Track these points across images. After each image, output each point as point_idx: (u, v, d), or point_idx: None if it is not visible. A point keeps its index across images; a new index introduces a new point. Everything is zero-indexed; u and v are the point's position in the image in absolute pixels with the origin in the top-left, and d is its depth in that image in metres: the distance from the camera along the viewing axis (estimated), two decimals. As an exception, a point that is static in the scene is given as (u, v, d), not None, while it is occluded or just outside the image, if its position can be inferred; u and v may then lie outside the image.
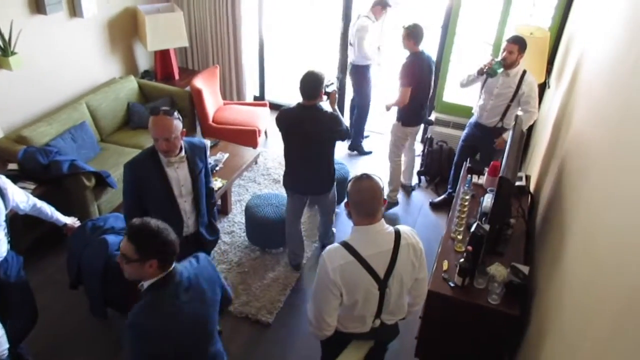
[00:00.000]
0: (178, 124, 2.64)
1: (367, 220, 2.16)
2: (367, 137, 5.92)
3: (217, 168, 4.40)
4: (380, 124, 6.04)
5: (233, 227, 4.50)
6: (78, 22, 4.73)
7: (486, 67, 4.06)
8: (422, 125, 5.02)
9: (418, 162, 5.36)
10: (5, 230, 2.82)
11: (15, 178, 3.84)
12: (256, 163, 5.29)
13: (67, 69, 4.73)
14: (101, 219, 3.38)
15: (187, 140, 2.88)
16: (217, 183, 4.20)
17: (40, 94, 4.50)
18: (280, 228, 4.09)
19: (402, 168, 4.98)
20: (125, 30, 5.35)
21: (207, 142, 4.54)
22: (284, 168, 5.16)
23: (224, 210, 4.63)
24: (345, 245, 2.16)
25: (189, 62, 6.14)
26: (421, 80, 4.43)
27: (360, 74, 5.40)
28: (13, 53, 4.05)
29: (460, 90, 4.69)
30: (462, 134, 4.66)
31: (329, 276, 2.12)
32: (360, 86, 5.47)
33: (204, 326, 2.19)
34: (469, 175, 3.86)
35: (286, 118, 3.55)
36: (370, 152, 5.75)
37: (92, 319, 3.39)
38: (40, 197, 3.80)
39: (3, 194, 2.75)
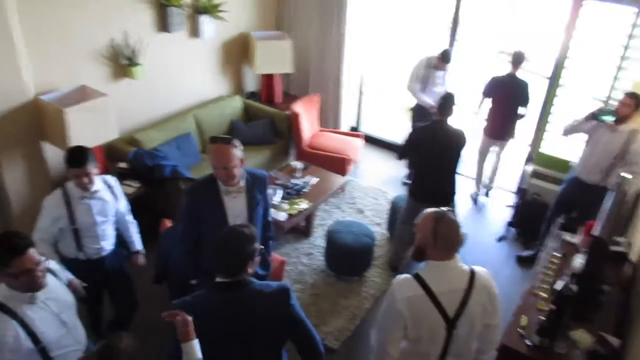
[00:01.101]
0: (237, 152, 2.61)
1: (447, 255, 2.13)
2: None
3: (305, 190, 4.53)
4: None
5: (312, 249, 4.58)
6: (196, 42, 5.14)
7: (597, 110, 3.93)
8: (508, 142, 5.32)
9: (509, 212, 5.17)
10: (114, 226, 3.06)
11: (124, 176, 4.21)
12: (343, 191, 5.37)
13: (181, 83, 5.13)
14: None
15: (249, 170, 2.84)
16: (302, 204, 4.32)
17: (155, 102, 4.91)
18: (357, 257, 4.12)
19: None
20: (237, 53, 5.72)
21: (301, 165, 4.76)
22: (370, 199, 5.34)
23: (306, 232, 4.73)
24: (417, 277, 2.13)
25: (292, 87, 6.41)
26: (501, 98, 5.02)
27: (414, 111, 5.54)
28: (137, 64, 4.48)
29: (562, 142, 4.50)
30: (559, 188, 4.47)
31: (396, 306, 2.10)
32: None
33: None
34: (562, 232, 3.67)
35: (424, 131, 4.02)
36: None
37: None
38: (142, 196, 4.15)
39: (114, 192, 2.99)
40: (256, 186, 2.82)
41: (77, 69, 4.11)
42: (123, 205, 3.11)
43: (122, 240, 3.22)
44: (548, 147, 5.21)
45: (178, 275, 3.24)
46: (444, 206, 3.86)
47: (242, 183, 2.75)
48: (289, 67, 5.77)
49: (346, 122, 6.45)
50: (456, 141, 3.98)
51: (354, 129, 6.60)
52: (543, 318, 2.72)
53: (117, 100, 4.38)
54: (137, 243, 3.25)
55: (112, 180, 3.04)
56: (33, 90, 3.77)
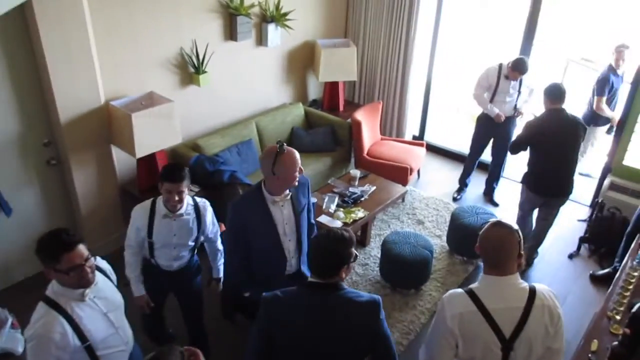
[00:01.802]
0: None
1: (495, 271, 1.99)
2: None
3: (362, 199, 4.45)
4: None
5: (368, 260, 4.48)
6: (262, 50, 5.21)
7: None
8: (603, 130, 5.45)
9: (581, 227, 4.83)
10: (191, 248, 3.00)
11: (184, 180, 4.32)
12: (403, 201, 5.24)
13: (245, 91, 5.21)
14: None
15: None
16: (358, 213, 4.25)
17: (219, 109, 5.01)
18: (414, 269, 3.98)
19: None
20: (301, 60, 5.75)
21: (360, 173, 4.69)
22: (431, 210, 5.18)
23: (362, 242, 4.64)
24: (470, 292, 2.00)
25: (356, 95, 6.37)
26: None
27: (479, 120, 5.34)
28: (203, 72, 4.60)
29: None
30: (642, 201, 4.13)
31: (446, 323, 1.98)
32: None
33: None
34: (642, 250, 3.37)
35: (544, 121, 4.06)
36: (497, 205, 5.47)
37: (223, 322, 3.56)
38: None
39: (200, 219, 2.93)
40: (299, 191, 2.83)
41: (146, 75, 4.26)
42: (212, 231, 3.07)
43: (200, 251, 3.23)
44: (631, 159, 4.83)
45: (229, 288, 3.26)
46: (561, 198, 4.13)
47: (287, 191, 2.75)
48: (353, 75, 5.73)
49: (409, 131, 6.31)
50: (577, 129, 4.02)
51: (416, 137, 6.44)
52: (616, 343, 2.53)
53: (183, 107, 4.51)
54: (220, 271, 3.21)
55: (205, 206, 2.98)
56: (104, 95, 3.95)
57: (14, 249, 3.92)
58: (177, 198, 2.74)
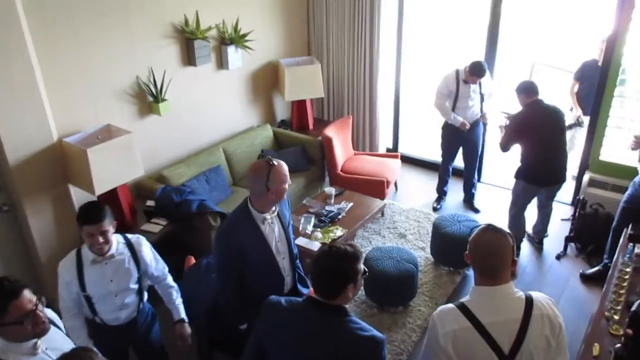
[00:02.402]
0: None
1: (488, 280, 1.83)
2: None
3: (340, 216, 4.28)
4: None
5: (351, 280, 4.28)
6: (223, 74, 5.05)
7: None
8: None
9: (567, 226, 4.72)
10: (136, 293, 2.70)
11: (151, 214, 4.09)
12: (382, 215, 5.08)
13: (209, 117, 5.02)
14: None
15: None
16: (337, 232, 4.07)
17: (183, 138, 4.80)
18: (400, 285, 3.80)
19: None
20: (266, 82, 5.60)
21: (335, 191, 4.51)
22: (412, 222, 5.04)
23: (344, 262, 4.44)
24: (462, 307, 1.83)
25: (325, 113, 6.25)
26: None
27: (444, 130, 5.25)
28: (163, 100, 4.40)
29: (622, 148, 4.16)
30: (625, 194, 4.05)
31: (438, 342, 1.80)
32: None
33: None
34: (631, 244, 3.25)
35: (527, 115, 4.15)
36: (478, 211, 5.34)
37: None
38: (169, 234, 4.00)
39: (138, 256, 2.65)
40: (282, 204, 2.73)
41: (101, 108, 4.05)
42: (158, 268, 2.78)
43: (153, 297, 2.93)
44: (608, 154, 4.77)
45: (199, 318, 3.04)
46: (557, 185, 4.31)
47: (274, 207, 2.65)
48: (320, 92, 5.61)
49: (383, 144, 6.19)
50: (558, 115, 4.16)
51: (390, 150, 6.33)
52: (618, 345, 2.39)
53: (144, 138, 4.32)
54: (180, 311, 2.87)
55: (139, 241, 2.69)
56: (56, 132, 3.72)
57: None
58: (102, 240, 2.45)
